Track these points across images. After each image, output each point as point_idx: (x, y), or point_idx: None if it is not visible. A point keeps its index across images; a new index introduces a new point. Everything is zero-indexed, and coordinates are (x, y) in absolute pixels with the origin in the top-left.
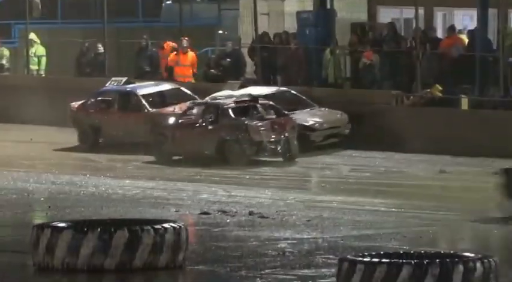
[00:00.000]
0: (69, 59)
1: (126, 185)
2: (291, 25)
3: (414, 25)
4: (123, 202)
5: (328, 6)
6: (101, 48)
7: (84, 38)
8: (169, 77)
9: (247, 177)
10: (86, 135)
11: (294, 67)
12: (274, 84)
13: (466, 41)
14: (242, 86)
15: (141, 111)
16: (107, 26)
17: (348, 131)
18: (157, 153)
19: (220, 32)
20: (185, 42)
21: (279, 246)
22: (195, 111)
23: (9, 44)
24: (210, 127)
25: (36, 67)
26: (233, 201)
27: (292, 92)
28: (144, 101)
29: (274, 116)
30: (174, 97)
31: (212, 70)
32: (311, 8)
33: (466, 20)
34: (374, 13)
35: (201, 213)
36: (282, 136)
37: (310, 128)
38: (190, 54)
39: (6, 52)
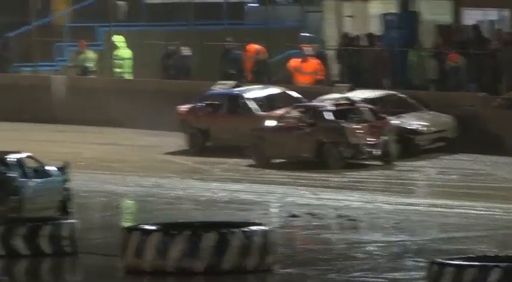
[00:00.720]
0: (154, 61)
1: (214, 187)
2: (375, 27)
3: (498, 26)
4: (211, 205)
5: (413, 9)
6: (186, 51)
7: (169, 40)
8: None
9: (336, 180)
10: (195, 138)
11: (379, 69)
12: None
13: None
14: (351, 89)
15: (249, 114)
16: (192, 29)
17: (456, 134)
18: (256, 156)
19: (304, 34)
20: (308, 49)
21: (367, 249)
22: (294, 114)
23: (95, 46)
24: (308, 130)
25: (121, 70)
26: (322, 204)
27: (400, 95)
28: (251, 104)
29: (372, 119)
30: (281, 100)
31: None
32: (395, 10)
33: None
34: (458, 15)
35: (289, 216)
36: (380, 139)
37: (415, 132)
38: (313, 62)
39: (92, 55)
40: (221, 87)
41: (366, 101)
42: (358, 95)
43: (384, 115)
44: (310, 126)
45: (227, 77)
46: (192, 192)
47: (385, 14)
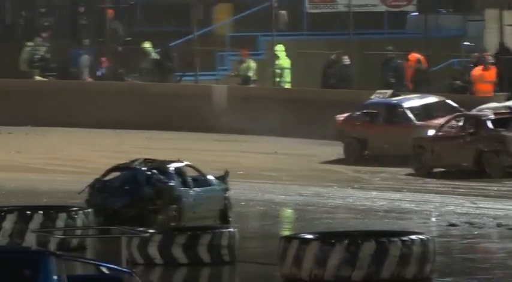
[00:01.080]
0: (314, 71)
1: (373, 196)
2: None
3: None
4: (370, 214)
5: None
6: (346, 60)
7: (330, 49)
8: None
9: (495, 188)
10: (352, 147)
11: None
12: None
13: None
14: (509, 98)
15: (407, 124)
16: (352, 38)
17: None
18: (417, 165)
19: (466, 43)
20: (489, 58)
21: None
22: (455, 123)
23: (256, 56)
24: (468, 139)
25: (279, 79)
26: (481, 213)
27: None
28: (410, 114)
29: None
30: (439, 110)
31: (458, 81)
32: None
33: None
34: None
35: (448, 225)
36: None
37: None
38: (494, 70)
39: (253, 64)
40: (379, 96)
41: None
42: None
43: None
44: (470, 135)
45: (387, 86)
46: (351, 201)
47: None
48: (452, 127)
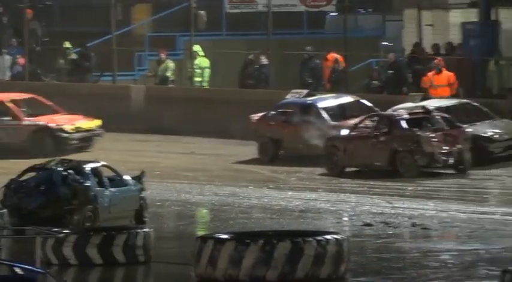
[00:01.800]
0: (233, 71)
1: (289, 196)
2: (455, 36)
3: None
4: (285, 214)
5: (493, 17)
6: (264, 60)
7: (249, 49)
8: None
9: (410, 188)
10: (267, 147)
11: (457, 78)
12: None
13: None
14: (424, 98)
15: (321, 123)
16: (271, 38)
17: None
18: (330, 165)
19: (384, 43)
20: (437, 62)
21: (441, 257)
22: (368, 123)
23: (174, 56)
24: (382, 138)
25: (199, 79)
26: (396, 213)
27: (474, 103)
28: (324, 114)
29: (447, 128)
30: (355, 109)
31: (375, 81)
32: (476, 19)
33: None
34: None
35: (363, 225)
36: (455, 148)
37: (489, 139)
38: (446, 74)
39: (171, 64)
40: (294, 96)
41: (441, 109)
42: (433, 103)
43: (459, 124)
44: (384, 135)
45: (305, 86)
46: (267, 201)
47: (465, 23)
48: (366, 127)
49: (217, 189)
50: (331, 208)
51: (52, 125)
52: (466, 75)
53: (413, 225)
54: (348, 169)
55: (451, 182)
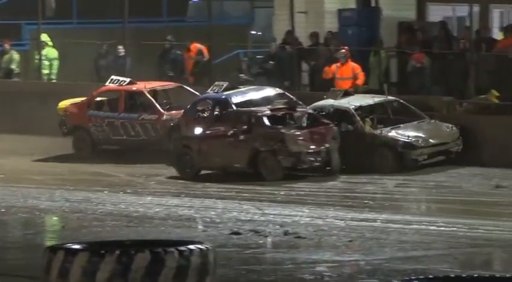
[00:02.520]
0: (86, 62)
1: (148, 202)
2: (331, 24)
3: (468, 24)
4: (144, 221)
5: (373, 4)
6: (121, 51)
7: (103, 39)
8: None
9: (282, 193)
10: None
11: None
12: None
13: None
14: (346, 94)
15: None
16: (128, 27)
17: (459, 147)
18: (182, 166)
19: (253, 32)
20: (342, 52)
21: (317, 269)
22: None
23: (19, 46)
24: (241, 137)
25: (47, 71)
26: (267, 220)
27: (401, 101)
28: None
29: (314, 125)
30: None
31: (242, 74)
32: (354, 6)
33: None
34: (423, 11)
35: (231, 234)
36: (322, 147)
37: (410, 146)
38: (351, 65)
39: (16, 56)
40: (215, 89)
41: (364, 108)
42: (355, 101)
43: (326, 121)
44: (244, 134)
45: (166, 79)
46: (123, 207)
47: (343, 10)
48: (222, 124)
49: (68, 194)
50: (195, 215)
51: None
52: None
53: (286, 233)
54: (202, 172)
55: (328, 186)
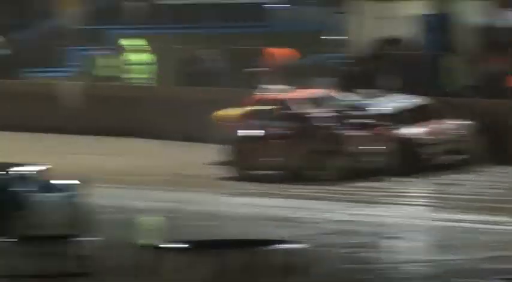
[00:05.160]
0: (176, 66)
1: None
2: (406, 29)
3: None
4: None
5: (449, 10)
6: (213, 56)
7: (192, 44)
8: None
9: (365, 193)
10: None
11: (413, 75)
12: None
13: None
14: (377, 96)
15: None
16: (211, 31)
17: (477, 146)
18: (236, 167)
19: (328, 37)
20: None
21: (409, 269)
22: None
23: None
24: (297, 138)
25: (139, 76)
26: (357, 221)
27: (431, 103)
28: None
29: (371, 127)
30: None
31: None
32: (429, 12)
33: None
34: (498, 17)
35: (324, 234)
36: (379, 148)
37: (421, 144)
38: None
39: (111, 60)
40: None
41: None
42: (389, 102)
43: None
44: (300, 134)
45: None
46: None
47: (418, 16)
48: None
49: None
50: (290, 215)
51: None
52: (422, 72)
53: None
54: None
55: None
